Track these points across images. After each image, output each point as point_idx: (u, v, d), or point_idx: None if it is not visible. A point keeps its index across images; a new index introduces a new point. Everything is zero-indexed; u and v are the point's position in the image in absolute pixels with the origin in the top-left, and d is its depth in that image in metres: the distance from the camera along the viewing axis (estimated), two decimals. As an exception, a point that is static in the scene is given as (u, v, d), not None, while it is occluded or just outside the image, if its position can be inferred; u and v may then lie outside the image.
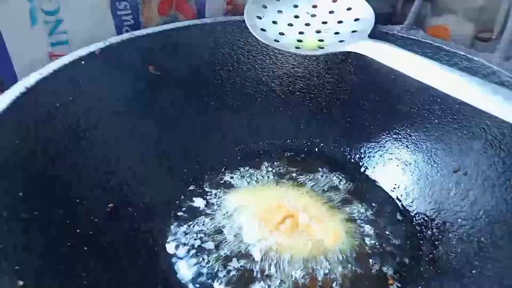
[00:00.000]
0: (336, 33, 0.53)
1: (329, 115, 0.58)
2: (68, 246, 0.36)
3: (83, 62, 0.45)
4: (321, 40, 0.53)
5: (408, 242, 0.46)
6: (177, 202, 0.50)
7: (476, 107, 0.46)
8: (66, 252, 0.36)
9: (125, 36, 0.50)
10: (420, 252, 0.44)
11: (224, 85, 0.57)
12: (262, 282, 0.41)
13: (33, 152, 0.38)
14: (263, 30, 0.52)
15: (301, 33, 0.53)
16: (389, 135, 0.55)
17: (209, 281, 0.41)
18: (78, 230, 0.38)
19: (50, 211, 0.37)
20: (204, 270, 0.42)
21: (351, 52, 0.48)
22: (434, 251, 0.43)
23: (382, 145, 0.55)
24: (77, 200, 0.40)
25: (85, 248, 0.38)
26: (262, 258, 0.43)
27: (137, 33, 0.51)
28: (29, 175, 0.37)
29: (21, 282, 0.29)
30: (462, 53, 0.48)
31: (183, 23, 0.54)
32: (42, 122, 0.40)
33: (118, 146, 0.47)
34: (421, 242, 0.45)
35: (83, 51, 0.46)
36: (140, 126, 0.50)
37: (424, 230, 0.46)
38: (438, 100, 0.50)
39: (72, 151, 0.42)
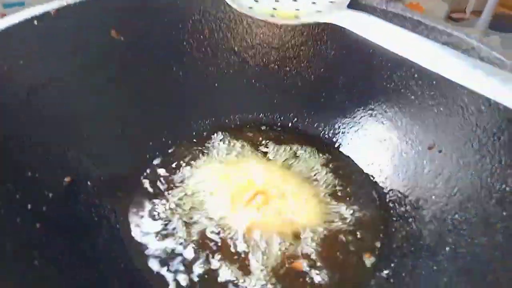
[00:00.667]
0: (313, 2, 0.50)
1: (303, 89, 0.56)
2: (18, 223, 0.33)
3: (35, 22, 0.41)
4: (298, 10, 0.50)
5: (381, 219, 0.45)
6: (142, 176, 0.47)
7: (454, 82, 0.45)
8: (15, 230, 0.32)
9: (85, -5, 0.45)
10: (394, 229, 0.43)
11: (193, 55, 0.54)
12: (232, 259, 0.39)
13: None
14: (236, -5, 0.49)
15: (276, 1, 0.50)
16: (364, 111, 0.53)
17: (177, 259, 0.39)
18: (29, 206, 0.35)
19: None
20: (170, 247, 0.40)
21: (328, 23, 0.46)
22: (408, 228, 0.43)
23: (357, 121, 0.53)
24: (29, 173, 0.37)
25: (37, 225, 0.34)
26: (232, 235, 0.42)
27: (99, -8, 0.46)
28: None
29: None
30: (441, 27, 0.47)
31: (151, -16, 0.50)
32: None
33: (75, 115, 0.43)
34: (394, 219, 0.45)
35: (36, 10, 0.41)
36: (100, 95, 0.46)
37: (397, 207, 0.46)
38: (415, 75, 0.49)
39: (23, 117, 0.38)
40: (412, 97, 0.49)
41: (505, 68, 0.41)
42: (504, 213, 0.36)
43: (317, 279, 0.39)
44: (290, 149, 0.52)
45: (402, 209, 0.45)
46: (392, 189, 0.47)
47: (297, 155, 0.51)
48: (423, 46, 0.40)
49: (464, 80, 0.37)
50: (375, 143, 0.51)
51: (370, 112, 0.53)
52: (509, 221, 0.35)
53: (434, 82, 0.47)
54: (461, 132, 0.44)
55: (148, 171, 0.47)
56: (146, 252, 0.40)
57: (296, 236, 0.42)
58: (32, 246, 0.33)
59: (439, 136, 0.46)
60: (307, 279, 0.39)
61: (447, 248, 0.38)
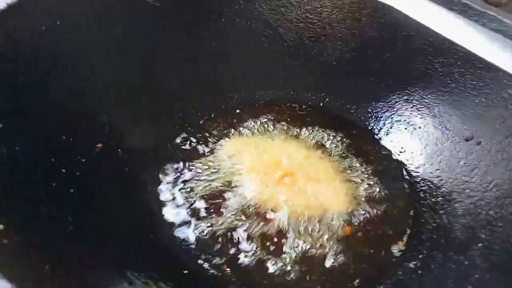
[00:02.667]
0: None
1: (338, 69, 0.54)
2: (53, 187, 0.32)
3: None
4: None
5: (411, 209, 0.44)
6: (171, 147, 0.46)
7: (500, 72, 0.43)
8: (50, 194, 0.32)
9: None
10: (423, 220, 0.43)
11: (226, 27, 0.52)
12: (251, 233, 0.39)
13: (11, 84, 0.33)
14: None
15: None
16: (400, 96, 0.51)
17: (204, 232, 0.39)
18: (63, 170, 0.35)
19: (31, 148, 0.33)
20: (196, 222, 0.40)
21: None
22: (438, 220, 0.42)
23: (392, 105, 0.52)
24: (63, 137, 0.36)
25: (71, 190, 0.34)
26: (258, 211, 0.41)
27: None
28: (7, 108, 0.32)
29: (0, 226, 0.25)
30: (492, 13, 0.44)
31: None
32: (20, 51, 0.35)
33: (106, 82, 0.42)
34: (424, 209, 0.44)
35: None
36: (132, 64, 0.45)
37: (428, 197, 0.44)
38: (459, 62, 0.46)
39: (56, 80, 0.37)
40: (453, 84, 0.47)
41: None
42: (544, 213, 0.35)
43: (343, 264, 0.38)
44: (320, 130, 0.51)
45: (433, 200, 0.44)
46: (424, 179, 0.46)
47: (327, 137, 0.50)
48: (471, 30, 0.39)
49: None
50: (409, 130, 0.50)
51: (406, 97, 0.51)
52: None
53: (479, 71, 0.45)
54: (503, 125, 0.42)
55: (177, 142, 0.47)
56: (172, 225, 0.40)
57: (323, 220, 0.41)
58: (64, 210, 0.33)
59: (479, 128, 0.44)
60: (333, 263, 0.38)
61: (480, 244, 0.37)
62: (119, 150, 0.41)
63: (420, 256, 0.39)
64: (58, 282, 0.26)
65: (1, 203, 0.27)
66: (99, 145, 0.39)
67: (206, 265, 0.38)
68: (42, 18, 0.37)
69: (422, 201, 0.44)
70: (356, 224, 0.41)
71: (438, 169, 0.46)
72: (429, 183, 0.45)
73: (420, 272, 0.37)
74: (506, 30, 0.43)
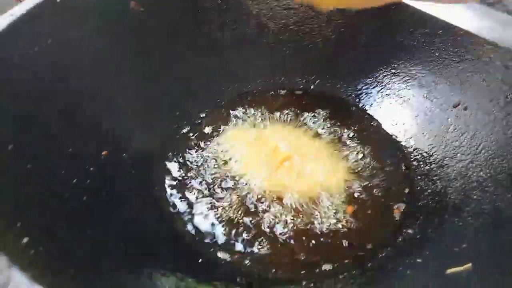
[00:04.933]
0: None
1: (324, 50, 0.55)
2: (67, 197, 0.35)
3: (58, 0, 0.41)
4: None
5: (406, 178, 0.46)
6: (173, 145, 0.49)
7: (480, 37, 0.44)
8: (66, 204, 0.35)
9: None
10: (418, 188, 0.45)
11: (211, 20, 0.53)
12: (261, 219, 0.42)
13: (15, 95, 0.36)
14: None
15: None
16: (387, 70, 0.53)
17: (214, 224, 0.42)
18: (74, 181, 0.37)
19: (42, 162, 0.35)
20: (206, 212, 0.42)
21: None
22: (432, 186, 0.44)
23: (380, 80, 0.53)
24: (69, 150, 0.39)
25: (84, 198, 0.37)
26: (261, 198, 0.43)
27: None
28: (16, 127, 0.35)
29: (25, 239, 0.28)
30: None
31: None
32: (21, 65, 0.37)
33: (104, 89, 0.44)
34: (419, 177, 0.46)
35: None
36: (126, 69, 0.47)
37: (422, 165, 0.46)
38: (440, 32, 0.48)
39: (57, 93, 0.39)
40: (436, 54, 0.48)
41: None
42: (530, 170, 0.37)
43: (344, 235, 0.41)
44: (313, 112, 0.53)
45: (427, 167, 0.46)
46: (416, 148, 0.48)
47: (320, 118, 0.52)
48: None
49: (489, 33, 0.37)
50: (398, 103, 0.52)
51: (393, 71, 0.52)
52: (535, 177, 0.36)
53: (459, 38, 0.46)
54: (487, 88, 0.44)
55: (178, 139, 0.49)
56: (184, 217, 0.42)
57: (324, 198, 0.44)
58: (80, 218, 0.35)
59: (464, 93, 0.46)
60: (333, 237, 0.41)
61: (472, 205, 0.39)
62: (123, 154, 0.43)
63: (418, 222, 0.41)
64: (77, 279, 0.28)
65: (23, 218, 0.29)
66: (104, 152, 0.42)
67: (220, 253, 0.40)
68: (35, 38, 0.39)
69: (416, 170, 0.46)
70: (354, 198, 0.44)
71: (429, 138, 0.47)
72: (422, 151, 0.47)
73: (418, 237, 0.40)
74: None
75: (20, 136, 0.35)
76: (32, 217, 0.31)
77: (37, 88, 0.38)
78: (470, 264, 0.33)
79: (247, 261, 0.39)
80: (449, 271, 0.33)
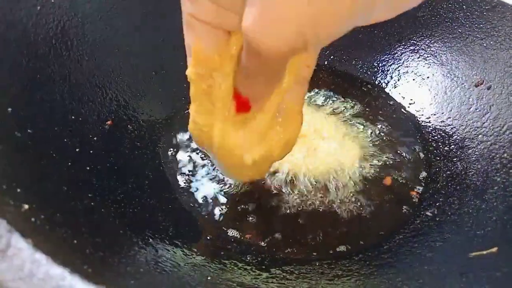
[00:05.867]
0: None
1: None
2: (69, 166, 0.33)
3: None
4: None
5: (424, 159, 0.44)
6: (180, 118, 0.46)
7: (507, 13, 0.42)
8: (67, 173, 0.32)
9: None
10: (437, 169, 0.43)
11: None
12: (274, 198, 0.40)
13: (16, 63, 0.33)
14: None
15: None
16: (405, 47, 0.50)
17: (221, 199, 0.40)
18: (77, 150, 0.35)
19: (42, 129, 0.33)
20: (213, 188, 0.40)
21: None
22: (452, 168, 0.42)
23: (398, 57, 0.51)
24: (72, 117, 0.36)
25: (87, 168, 0.35)
26: (275, 175, 0.41)
27: None
28: (16, 90, 0.32)
29: (26, 206, 0.26)
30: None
31: None
32: (23, 28, 0.35)
33: (109, 57, 0.42)
34: (438, 158, 0.44)
35: None
36: (138, 30, 0.44)
37: (441, 146, 0.45)
38: (464, 6, 0.46)
39: (59, 60, 0.37)
40: (460, 30, 0.46)
41: None
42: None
43: (360, 216, 0.39)
44: (328, 89, 0.50)
45: (447, 148, 0.44)
46: (435, 128, 0.46)
47: (335, 95, 0.50)
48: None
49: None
50: (417, 81, 0.49)
51: (412, 48, 0.50)
52: None
53: (485, 13, 0.44)
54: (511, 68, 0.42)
55: (187, 112, 0.47)
56: (193, 192, 0.40)
57: (338, 176, 0.42)
58: (83, 187, 0.33)
59: (488, 72, 0.44)
60: (351, 217, 0.39)
61: (495, 187, 0.37)
62: (128, 126, 0.41)
63: (437, 203, 0.39)
64: (87, 254, 0.27)
65: (23, 184, 0.27)
66: (109, 122, 0.39)
67: (230, 231, 0.38)
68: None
69: (435, 151, 0.45)
70: (370, 178, 0.42)
71: (449, 117, 0.45)
72: (441, 132, 0.45)
73: (438, 219, 0.38)
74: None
75: (19, 99, 0.32)
76: (32, 184, 0.29)
77: (39, 50, 0.35)
78: (496, 248, 0.31)
79: (258, 240, 0.37)
80: (473, 254, 0.32)
